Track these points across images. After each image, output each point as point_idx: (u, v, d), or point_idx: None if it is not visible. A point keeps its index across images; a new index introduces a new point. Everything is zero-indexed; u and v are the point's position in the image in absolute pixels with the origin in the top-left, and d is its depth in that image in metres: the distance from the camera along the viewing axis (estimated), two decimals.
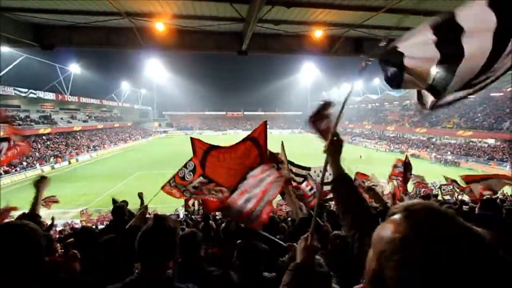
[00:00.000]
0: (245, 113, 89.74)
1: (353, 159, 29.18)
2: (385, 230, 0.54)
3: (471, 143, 35.78)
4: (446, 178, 9.92)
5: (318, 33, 7.22)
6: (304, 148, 27.97)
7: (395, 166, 8.72)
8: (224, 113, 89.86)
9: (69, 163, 32.32)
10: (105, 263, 1.93)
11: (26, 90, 33.77)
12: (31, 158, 28.84)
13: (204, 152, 3.17)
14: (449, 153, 34.70)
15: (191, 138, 3.27)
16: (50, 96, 39.40)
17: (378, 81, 60.38)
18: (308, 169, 4.89)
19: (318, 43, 7.61)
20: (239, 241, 2.17)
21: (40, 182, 2.53)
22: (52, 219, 5.66)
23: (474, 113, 38.97)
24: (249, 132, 3.33)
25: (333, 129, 1.37)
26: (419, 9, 5.96)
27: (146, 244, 1.29)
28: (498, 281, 0.44)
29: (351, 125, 66.52)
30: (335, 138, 1.34)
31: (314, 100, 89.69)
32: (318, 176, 4.65)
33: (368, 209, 1.19)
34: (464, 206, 5.73)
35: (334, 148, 1.33)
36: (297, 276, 1.22)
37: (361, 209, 1.18)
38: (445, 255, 0.45)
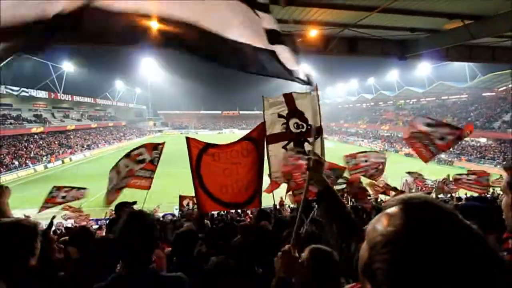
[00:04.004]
0: (241, 112, 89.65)
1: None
2: (380, 222, 0.52)
3: (463, 142, 36.30)
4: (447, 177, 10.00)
5: (313, 33, 7.24)
6: None
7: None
8: (219, 112, 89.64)
9: (63, 162, 31.93)
10: (101, 261, 1.92)
11: (17, 88, 33.21)
12: (23, 157, 28.40)
13: (200, 151, 3.18)
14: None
15: (187, 138, 3.28)
16: (43, 94, 38.86)
17: (372, 81, 60.88)
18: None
19: (313, 42, 7.63)
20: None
21: None
22: (53, 218, 5.59)
23: (467, 112, 39.56)
24: (244, 132, 3.35)
25: (314, 148, 1.50)
26: (412, 9, 6.02)
27: (124, 240, 1.27)
28: (494, 283, 0.41)
29: (346, 125, 66.94)
30: (316, 156, 1.41)
31: None
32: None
33: (353, 221, 1.22)
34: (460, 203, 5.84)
35: (317, 166, 1.39)
36: None
37: (346, 221, 1.21)
38: (439, 253, 0.42)
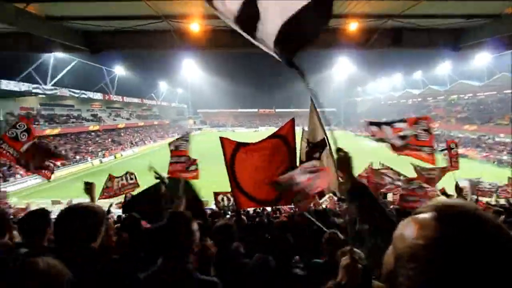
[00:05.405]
0: (277, 110, 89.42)
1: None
2: (408, 230, 0.45)
3: None
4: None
5: (353, 26, 6.94)
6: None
7: None
8: (256, 110, 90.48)
9: (115, 157, 35.11)
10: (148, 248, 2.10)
11: (78, 91, 37.32)
12: (83, 153, 31.87)
13: (233, 151, 3.29)
14: (504, 152, 31.14)
15: (220, 138, 3.40)
16: (98, 96, 43.12)
17: (420, 75, 56.09)
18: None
19: (353, 36, 7.31)
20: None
21: (89, 189, 2.68)
22: (110, 206, 6.32)
23: None
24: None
25: (328, 144, 1.38)
26: None
27: (163, 237, 1.35)
28: None
29: None
30: (341, 153, 1.33)
31: (349, 96, 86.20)
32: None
33: (389, 218, 1.10)
34: None
35: (343, 162, 1.32)
36: None
37: (382, 219, 1.09)
38: (478, 273, 0.35)
